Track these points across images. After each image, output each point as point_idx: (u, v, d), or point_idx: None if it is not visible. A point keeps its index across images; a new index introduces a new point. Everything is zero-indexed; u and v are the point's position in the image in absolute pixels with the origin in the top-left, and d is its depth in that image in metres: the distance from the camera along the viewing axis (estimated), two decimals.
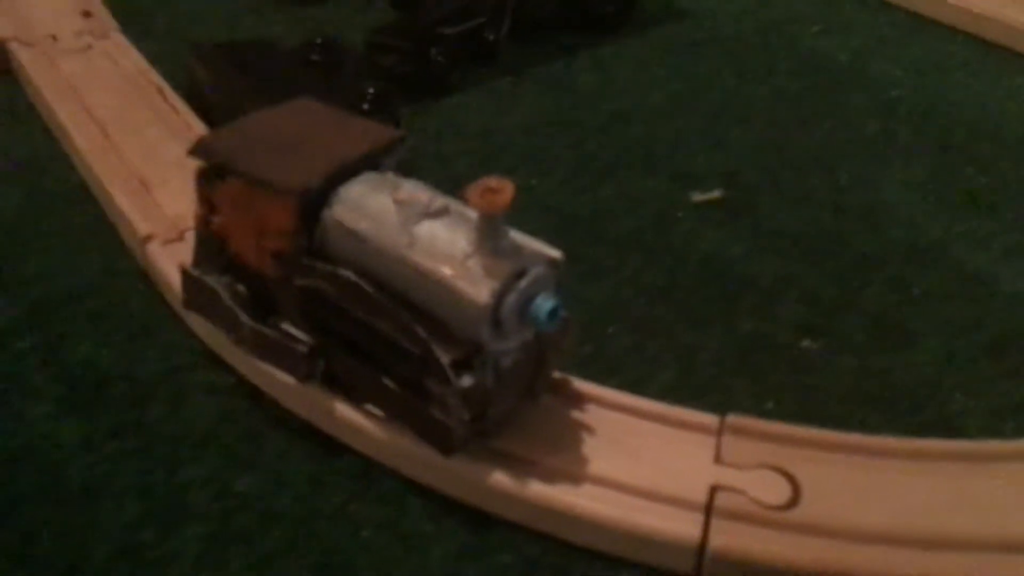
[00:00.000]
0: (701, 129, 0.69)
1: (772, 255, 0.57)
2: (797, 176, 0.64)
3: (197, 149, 0.44)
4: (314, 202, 0.41)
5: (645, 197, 0.62)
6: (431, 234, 0.39)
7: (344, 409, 0.43)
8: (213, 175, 0.43)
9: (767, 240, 0.58)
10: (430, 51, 0.70)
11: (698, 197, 0.61)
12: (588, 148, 0.67)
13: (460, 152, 0.66)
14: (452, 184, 0.42)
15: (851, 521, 0.38)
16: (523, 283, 0.38)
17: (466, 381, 0.38)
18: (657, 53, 0.79)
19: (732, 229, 0.59)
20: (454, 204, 0.41)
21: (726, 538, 0.38)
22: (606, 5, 0.81)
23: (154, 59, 0.69)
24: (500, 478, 0.40)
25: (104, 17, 0.74)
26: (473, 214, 0.39)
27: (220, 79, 0.64)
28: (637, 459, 0.41)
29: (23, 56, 0.68)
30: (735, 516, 0.38)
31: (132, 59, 0.68)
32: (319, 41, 0.66)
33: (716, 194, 0.61)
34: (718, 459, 0.41)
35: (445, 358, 0.38)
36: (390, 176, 0.42)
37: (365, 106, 0.60)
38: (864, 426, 0.45)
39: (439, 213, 0.40)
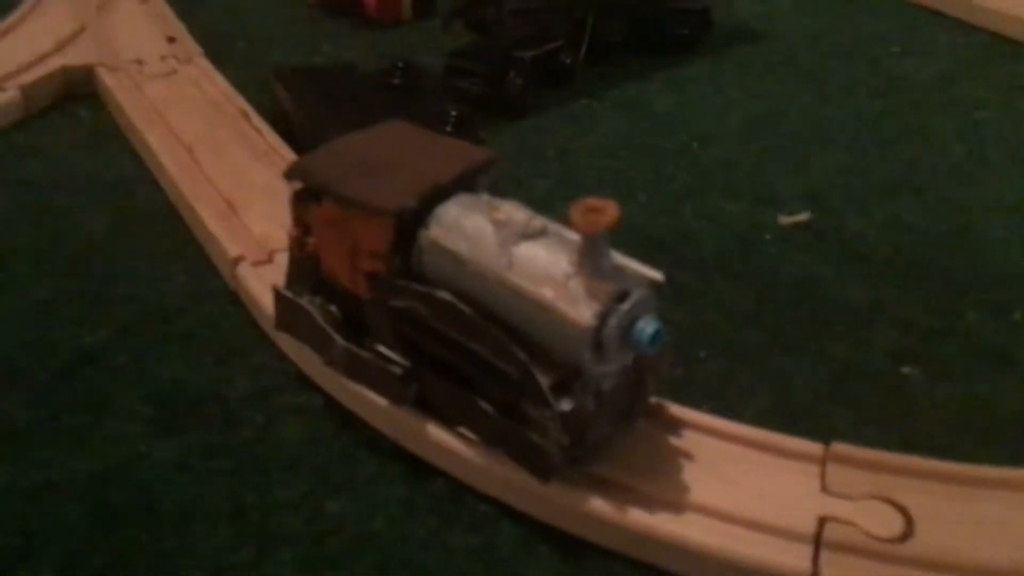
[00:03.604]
0: (781, 151, 0.68)
1: (862, 279, 0.56)
2: (883, 199, 0.63)
3: (292, 172, 0.44)
4: (410, 223, 0.41)
5: (728, 220, 0.61)
6: (530, 255, 0.39)
7: (436, 432, 0.42)
8: (308, 197, 0.43)
9: (856, 264, 0.57)
10: (507, 74, 0.70)
11: (785, 219, 0.60)
12: (667, 171, 0.66)
13: (538, 175, 0.65)
14: (531, 207, 0.41)
15: (968, 555, 0.36)
16: (625, 305, 0.37)
17: (566, 405, 0.38)
18: (733, 75, 0.79)
19: (819, 252, 0.58)
20: (552, 225, 0.40)
21: (838, 571, 0.36)
22: (681, 27, 0.80)
23: (236, 83, 0.70)
24: (598, 504, 0.39)
25: (188, 42, 0.75)
26: (571, 235, 0.38)
27: (303, 103, 0.64)
28: (739, 487, 0.39)
29: (109, 81, 0.69)
30: (846, 549, 0.37)
31: (216, 83, 0.69)
32: (399, 64, 0.66)
33: (804, 216, 0.60)
34: (824, 489, 0.39)
35: (545, 381, 0.38)
36: (485, 196, 0.42)
37: (448, 128, 0.60)
38: (970, 456, 0.43)
39: (538, 234, 0.39)
